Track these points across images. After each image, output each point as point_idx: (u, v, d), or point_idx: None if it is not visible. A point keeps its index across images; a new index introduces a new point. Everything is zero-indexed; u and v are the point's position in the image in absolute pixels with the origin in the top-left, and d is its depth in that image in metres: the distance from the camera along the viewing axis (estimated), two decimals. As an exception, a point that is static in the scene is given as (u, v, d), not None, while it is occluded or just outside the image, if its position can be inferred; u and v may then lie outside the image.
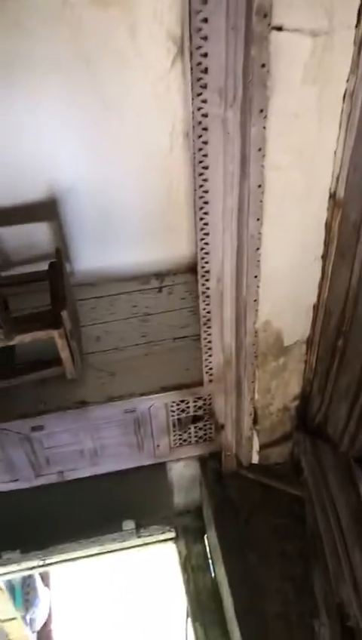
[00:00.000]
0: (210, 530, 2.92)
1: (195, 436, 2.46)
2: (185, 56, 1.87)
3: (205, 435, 2.47)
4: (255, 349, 2.02)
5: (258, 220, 1.65)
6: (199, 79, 1.36)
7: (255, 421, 2.40)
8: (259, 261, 1.75)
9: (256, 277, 1.80)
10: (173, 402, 2.27)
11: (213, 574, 3.02)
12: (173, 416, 2.33)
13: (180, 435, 2.43)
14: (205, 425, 2.43)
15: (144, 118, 2.04)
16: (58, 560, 2.50)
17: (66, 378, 2.16)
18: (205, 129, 1.44)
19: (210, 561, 3.06)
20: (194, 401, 2.29)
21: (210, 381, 2.19)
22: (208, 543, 3.15)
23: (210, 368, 2.14)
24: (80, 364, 2.15)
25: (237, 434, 2.43)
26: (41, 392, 2.21)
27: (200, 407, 2.32)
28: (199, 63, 1.33)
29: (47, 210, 2.25)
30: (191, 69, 1.35)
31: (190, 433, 2.44)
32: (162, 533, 2.72)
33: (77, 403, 2.18)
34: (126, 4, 1.74)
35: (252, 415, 2.30)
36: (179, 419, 2.37)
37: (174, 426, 2.39)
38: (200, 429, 2.43)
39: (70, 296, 2.18)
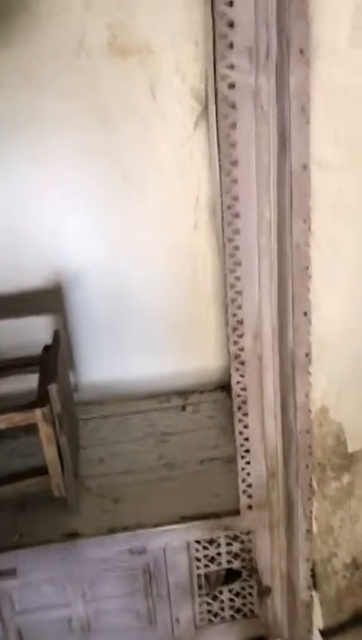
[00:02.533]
0: None
1: (230, 607, 1.74)
2: (209, 115, 1.71)
3: (244, 605, 1.74)
4: (310, 450, 1.47)
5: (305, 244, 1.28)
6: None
7: (314, 582, 1.69)
8: (307, 311, 1.33)
9: (306, 332, 1.36)
10: (198, 542, 1.63)
11: None
12: (198, 567, 1.66)
13: (209, 603, 1.72)
14: (243, 588, 1.72)
15: (166, 189, 1.83)
16: None
17: (53, 499, 1.60)
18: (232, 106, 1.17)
19: None
20: (228, 543, 1.64)
21: (250, 507, 1.59)
22: None
23: (249, 485, 1.56)
24: (72, 483, 1.60)
25: (289, 601, 1.70)
26: (19, 520, 1.63)
27: (236, 555, 1.67)
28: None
29: (49, 300, 1.92)
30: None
31: (222, 601, 1.73)
32: None
33: (65, 535, 1.57)
34: (146, 54, 1.64)
35: (310, 566, 1.62)
36: (206, 575, 1.69)
37: (200, 587, 1.70)
38: (236, 594, 1.72)
39: (68, 401, 1.74)
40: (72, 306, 1.94)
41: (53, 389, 1.44)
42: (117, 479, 1.76)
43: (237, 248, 1.29)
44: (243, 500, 1.58)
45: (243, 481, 1.55)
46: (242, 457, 1.52)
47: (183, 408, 2.06)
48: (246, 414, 1.47)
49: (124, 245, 1.88)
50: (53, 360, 1.56)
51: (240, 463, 1.53)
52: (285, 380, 1.40)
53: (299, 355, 1.33)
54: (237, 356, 1.41)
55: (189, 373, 2.10)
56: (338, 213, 1.25)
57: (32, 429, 1.57)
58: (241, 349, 1.40)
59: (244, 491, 1.57)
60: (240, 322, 1.37)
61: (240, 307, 1.35)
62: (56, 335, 1.70)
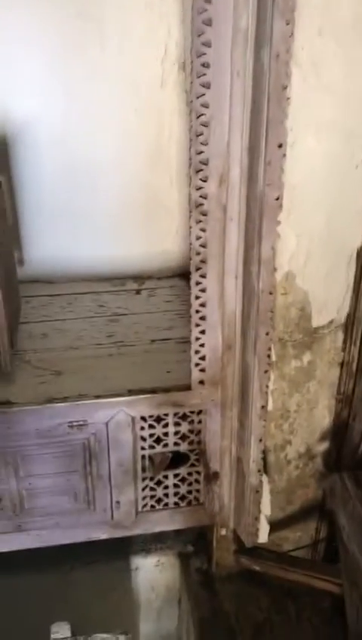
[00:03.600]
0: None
1: (175, 493, 1.63)
2: None
3: (190, 493, 1.64)
4: (271, 315, 1.34)
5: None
6: None
7: (265, 469, 1.60)
8: (283, 143, 1.16)
9: (279, 169, 1.19)
10: (144, 419, 1.50)
11: None
12: (143, 448, 1.55)
13: (152, 488, 1.61)
14: (190, 474, 1.62)
15: (129, 34, 1.61)
16: None
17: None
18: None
19: None
20: (176, 422, 1.52)
21: (201, 383, 1.46)
22: None
23: (202, 357, 1.43)
24: (6, 343, 1.44)
25: (237, 487, 1.61)
26: None
27: (184, 437, 1.55)
28: None
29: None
30: None
31: (167, 486, 1.62)
32: None
33: (-3, 403, 1.43)
34: None
35: (262, 447, 1.52)
36: (151, 457, 1.57)
37: (144, 469, 1.58)
38: (182, 479, 1.62)
39: (7, 264, 1.55)
40: (18, 165, 1.73)
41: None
42: (60, 354, 1.61)
43: (206, 65, 1.10)
44: (195, 374, 1.45)
45: (197, 352, 1.42)
46: (197, 325, 1.38)
47: (138, 292, 1.90)
48: (204, 275, 1.32)
49: (79, 99, 1.67)
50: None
51: (195, 332, 1.39)
52: (250, 232, 1.25)
53: (268, 198, 1.17)
54: (198, 205, 1.24)
55: (146, 256, 1.93)
56: (325, 26, 1.07)
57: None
58: (204, 197, 1.24)
59: (197, 364, 1.44)
60: (205, 163, 1.20)
61: (205, 143, 1.18)
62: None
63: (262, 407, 1.43)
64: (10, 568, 1.90)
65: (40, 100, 1.66)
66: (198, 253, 1.30)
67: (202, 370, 1.45)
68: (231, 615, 1.75)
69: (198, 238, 1.28)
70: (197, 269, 1.31)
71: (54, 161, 1.74)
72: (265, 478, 1.57)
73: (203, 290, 1.34)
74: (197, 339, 1.40)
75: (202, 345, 1.41)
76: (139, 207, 1.84)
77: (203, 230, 1.27)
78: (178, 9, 1.60)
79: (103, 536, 1.65)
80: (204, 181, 1.22)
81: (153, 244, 1.91)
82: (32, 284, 1.88)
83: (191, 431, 1.55)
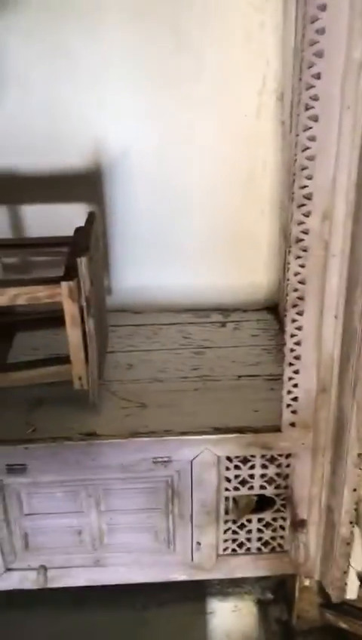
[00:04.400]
0: None
1: (258, 538, 1.56)
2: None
3: (273, 539, 1.56)
4: (371, 361, 1.26)
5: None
6: None
7: (357, 520, 1.50)
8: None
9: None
10: (230, 459, 1.44)
11: None
12: (227, 490, 1.48)
13: (235, 531, 1.54)
14: (275, 519, 1.54)
15: (227, 64, 1.60)
16: None
17: (73, 398, 1.43)
18: None
19: None
20: (264, 464, 1.45)
21: (293, 425, 1.39)
22: None
23: (294, 399, 1.36)
24: (96, 376, 1.43)
25: (325, 537, 1.52)
26: (33, 416, 1.47)
27: (271, 480, 1.48)
28: None
29: (86, 186, 1.72)
30: None
31: (250, 530, 1.55)
32: None
33: (83, 434, 1.41)
34: None
35: (355, 499, 1.42)
36: (235, 499, 1.51)
37: (227, 512, 1.52)
38: (266, 524, 1.54)
39: (99, 293, 1.55)
40: (111, 196, 1.74)
41: (82, 262, 1.25)
42: (145, 386, 1.59)
43: (315, 98, 1.06)
44: (287, 416, 1.38)
45: (289, 392, 1.35)
46: (290, 365, 1.32)
47: (223, 325, 1.86)
48: (301, 313, 1.26)
49: (174, 129, 1.66)
50: (85, 237, 1.37)
51: (288, 371, 1.33)
52: (354, 270, 1.18)
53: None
54: (299, 240, 1.19)
55: (233, 288, 1.89)
56: None
57: (57, 322, 1.41)
58: (306, 232, 1.18)
59: (289, 405, 1.37)
60: (308, 197, 1.15)
61: (310, 177, 1.13)
62: (90, 216, 1.51)
63: (359, 455, 1.34)
64: (83, 603, 1.87)
65: (135, 131, 1.67)
66: (296, 290, 1.24)
67: (294, 412, 1.37)
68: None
69: (297, 274, 1.22)
70: (294, 305, 1.25)
71: (146, 190, 1.74)
72: (357, 530, 1.47)
73: (299, 329, 1.28)
74: (291, 379, 1.34)
75: (295, 385, 1.34)
76: (229, 238, 1.81)
77: (302, 266, 1.21)
78: (277, 40, 1.57)
79: (182, 577, 1.60)
80: (307, 216, 1.17)
81: (240, 276, 1.87)
82: (119, 313, 1.88)
83: (278, 475, 1.48)
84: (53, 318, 1.48)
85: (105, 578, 1.58)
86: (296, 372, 1.33)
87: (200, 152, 1.70)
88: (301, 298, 1.25)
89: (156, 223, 1.77)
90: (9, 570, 1.55)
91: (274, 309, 1.91)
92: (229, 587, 1.89)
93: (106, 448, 1.39)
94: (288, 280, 1.24)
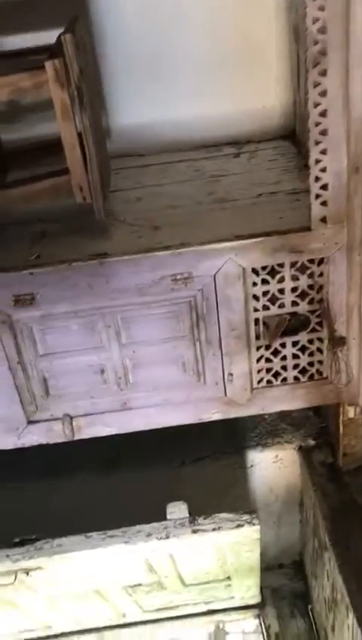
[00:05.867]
0: (319, 580, 1.75)
1: (294, 366, 1.44)
2: None
3: (311, 364, 1.44)
4: None
5: None
6: None
7: None
8: None
9: None
10: (256, 272, 1.30)
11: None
12: (256, 310, 1.35)
13: (268, 359, 1.42)
14: (311, 341, 1.41)
15: None
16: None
17: (78, 225, 1.30)
18: None
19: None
20: (294, 276, 1.31)
21: (323, 220, 1.24)
22: (313, 612, 1.92)
23: (323, 186, 1.20)
24: (98, 184, 1.27)
25: (369, 352, 1.39)
26: (38, 245, 1.35)
27: (304, 295, 1.34)
28: None
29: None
30: None
31: (285, 357, 1.43)
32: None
33: (92, 255, 1.28)
34: None
35: None
36: (266, 322, 1.38)
37: (258, 336, 1.39)
38: (302, 348, 1.42)
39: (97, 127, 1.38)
40: (100, 14, 1.55)
41: (67, 39, 1.08)
42: (158, 213, 1.44)
43: None
44: (316, 210, 1.23)
45: (317, 180, 1.20)
46: (316, 143, 1.16)
47: (237, 155, 1.69)
48: (323, 73, 1.09)
49: None
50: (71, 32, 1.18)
51: (314, 152, 1.17)
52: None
53: None
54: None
55: (243, 116, 1.71)
56: None
57: (52, 151, 1.26)
58: None
59: (318, 196, 1.21)
60: None
61: None
62: (73, 20, 1.32)
63: None
64: (116, 466, 1.80)
65: None
66: (316, 42, 1.06)
67: (324, 204, 1.22)
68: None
69: (316, 20, 1.04)
70: (316, 64, 1.08)
71: (137, 5, 1.55)
72: None
73: (323, 94, 1.11)
74: (318, 161, 1.18)
75: (323, 169, 1.19)
76: (233, 53, 1.61)
77: (321, 9, 1.03)
78: None
79: (216, 416, 1.49)
80: None
81: (250, 100, 1.68)
82: (121, 158, 1.71)
83: (311, 287, 1.34)
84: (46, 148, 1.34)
85: (136, 423, 1.48)
86: (324, 152, 1.17)
87: None
88: (323, 53, 1.07)
89: (151, 41, 1.58)
90: (31, 422, 1.46)
91: (290, 137, 1.73)
92: (268, 437, 1.80)
93: (119, 267, 1.26)
94: (306, 30, 1.06)
